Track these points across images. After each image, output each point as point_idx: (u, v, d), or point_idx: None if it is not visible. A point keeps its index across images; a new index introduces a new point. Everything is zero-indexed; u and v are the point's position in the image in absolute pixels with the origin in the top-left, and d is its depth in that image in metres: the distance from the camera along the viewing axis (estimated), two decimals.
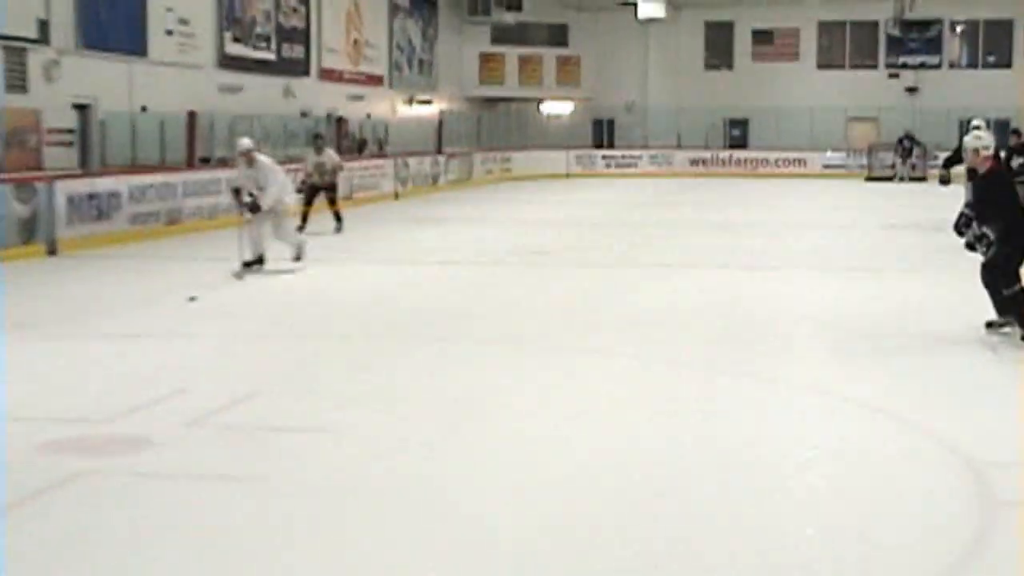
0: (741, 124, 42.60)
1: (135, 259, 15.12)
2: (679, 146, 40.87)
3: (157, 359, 9.12)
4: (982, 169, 10.09)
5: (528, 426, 7.25)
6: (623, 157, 40.49)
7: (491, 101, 41.41)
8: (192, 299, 11.35)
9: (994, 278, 9.54)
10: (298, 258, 14.22)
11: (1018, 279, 9.50)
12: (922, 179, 35.17)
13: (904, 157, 36.94)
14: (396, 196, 27.54)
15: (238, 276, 13.11)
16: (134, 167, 19.72)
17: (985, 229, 9.78)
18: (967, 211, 10.07)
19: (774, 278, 14.43)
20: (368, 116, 31.67)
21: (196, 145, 21.28)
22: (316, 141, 19.96)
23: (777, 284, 13.88)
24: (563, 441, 6.83)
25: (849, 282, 14.02)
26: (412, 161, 29.83)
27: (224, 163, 20.15)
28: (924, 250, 17.10)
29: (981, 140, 10.09)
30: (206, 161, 21.53)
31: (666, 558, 5.04)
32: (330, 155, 19.34)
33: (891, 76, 41.84)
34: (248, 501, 5.63)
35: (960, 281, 11.56)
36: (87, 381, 8.09)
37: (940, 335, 10.24)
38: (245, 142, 14.21)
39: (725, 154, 40.65)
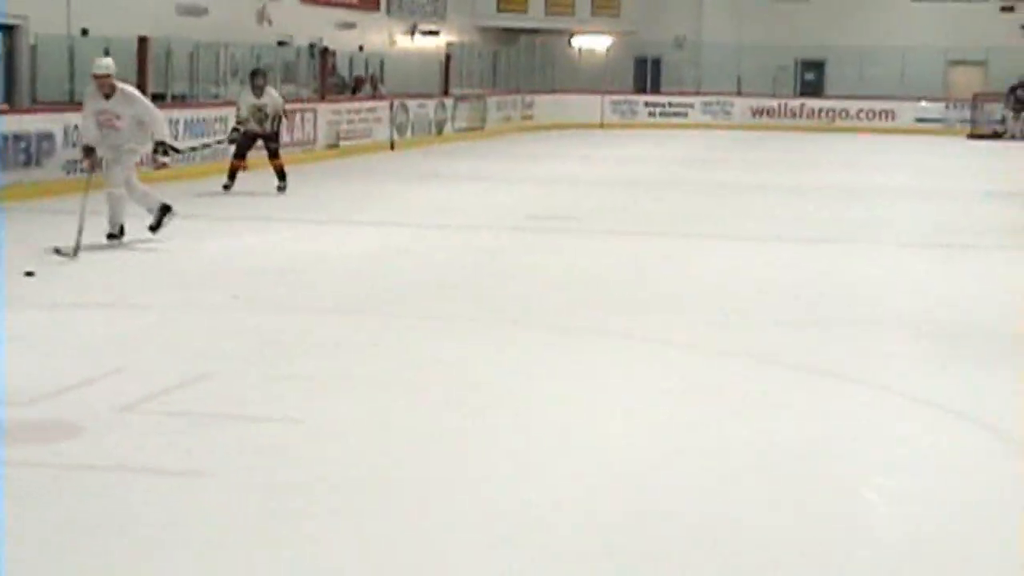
0: (816, 67, 43.29)
1: (71, 214, 15.32)
2: (739, 93, 41.15)
3: (93, 332, 9.22)
4: None
5: (535, 422, 7.49)
6: (670, 105, 40.74)
7: (511, 33, 41.66)
8: (29, 274, 10.93)
9: None
10: (157, 226, 13.45)
11: None
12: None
13: (1017, 110, 36.98)
14: (392, 147, 27.80)
15: (66, 254, 12.13)
16: (72, 104, 19.38)
17: None
18: None
19: (855, 255, 14.70)
20: (360, 49, 31.93)
21: (148, 79, 21.00)
22: (254, 79, 19.62)
23: (858, 262, 14.13)
24: (588, 442, 7.05)
25: (946, 263, 14.31)
26: (413, 105, 30.11)
27: (184, 100, 20.19)
28: None
29: None
30: (160, 98, 21.24)
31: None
32: (272, 96, 19.11)
33: (1004, 9, 42.03)
34: (191, 498, 5.67)
35: None
36: (7, 358, 8.07)
37: None
38: (104, 63, 13.44)
39: (796, 103, 40.99)
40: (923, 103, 39.16)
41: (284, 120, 19.88)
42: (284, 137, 20.01)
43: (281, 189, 18.90)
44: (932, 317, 10.92)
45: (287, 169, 18.93)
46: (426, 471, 6.46)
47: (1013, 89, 37.40)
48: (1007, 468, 7.08)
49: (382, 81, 31.80)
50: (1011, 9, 41.75)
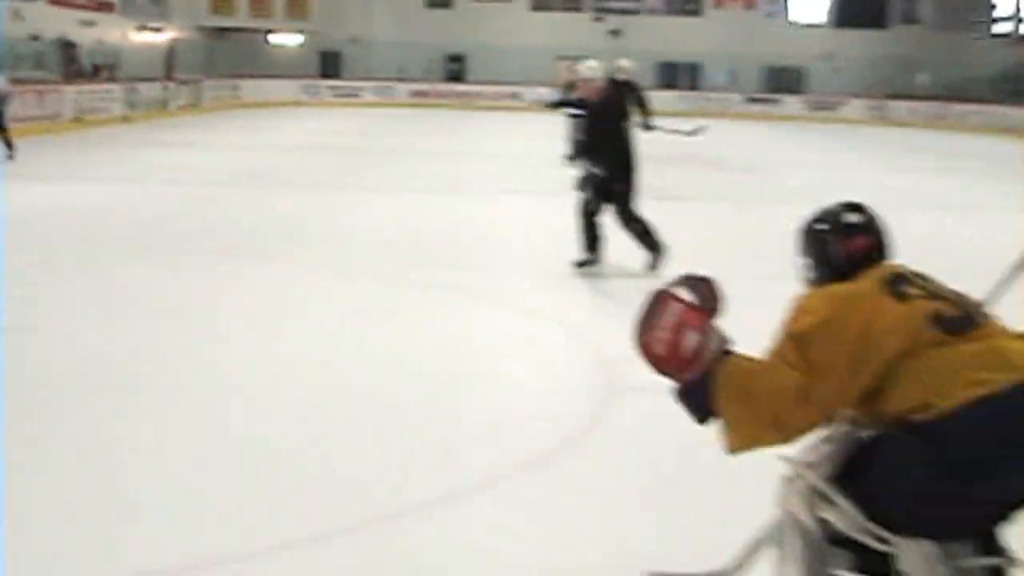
0: (459, 59, 45.10)
1: None
2: (401, 79, 42.91)
3: None
4: (595, 98, 10.09)
5: (221, 329, 7.81)
6: (348, 88, 42.31)
7: (222, 30, 42.19)
8: None
9: (626, 214, 9.92)
10: None
11: (635, 218, 9.96)
12: None
13: None
14: (125, 119, 28.35)
15: None
16: None
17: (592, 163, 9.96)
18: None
19: (481, 201, 15.33)
20: (100, 42, 32.29)
21: None
22: None
23: (483, 207, 14.78)
24: (258, 349, 7.29)
25: (548, 206, 14.05)
26: (142, 87, 30.97)
27: None
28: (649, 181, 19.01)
29: (594, 70, 10.10)
30: None
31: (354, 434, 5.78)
32: None
33: (596, 20, 45.37)
34: None
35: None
36: None
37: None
38: None
39: (444, 87, 43.11)
40: (539, 88, 41.01)
41: (8, 100, 19.09)
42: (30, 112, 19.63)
43: (10, 157, 17.87)
44: (537, 248, 11.35)
45: (34, 139, 18.77)
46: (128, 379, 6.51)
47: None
48: (573, 349, 7.67)
49: (118, 68, 32.36)
50: (601, 19, 44.98)
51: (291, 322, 8.13)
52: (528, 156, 23.23)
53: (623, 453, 5.69)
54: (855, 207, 3.63)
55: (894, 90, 43.63)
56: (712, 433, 3.45)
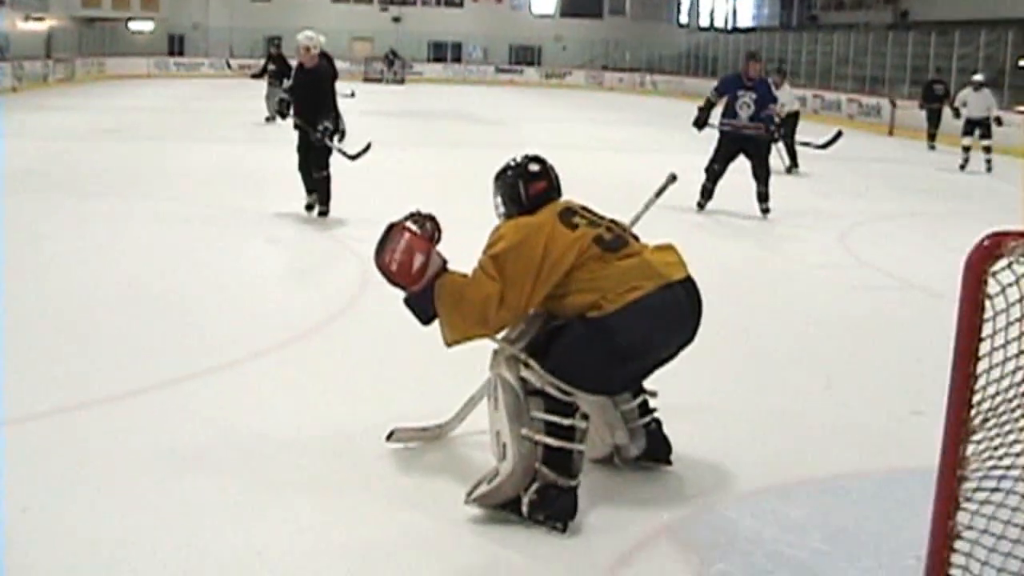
0: (277, 39, 43.92)
1: None
2: (232, 56, 40.54)
3: None
4: (309, 64, 8.97)
5: (58, 250, 7.64)
6: (190, 64, 40.61)
7: (91, 20, 39.87)
8: None
9: (320, 163, 8.93)
10: None
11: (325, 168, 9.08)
12: (402, 82, 38.20)
13: (389, 66, 39.06)
14: (14, 90, 26.97)
15: None
16: None
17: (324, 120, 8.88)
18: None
19: (285, 149, 14.16)
20: None
21: None
22: None
23: (283, 152, 13.53)
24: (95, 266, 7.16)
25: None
26: (27, 64, 29.59)
27: None
28: (390, 126, 19.52)
29: (312, 40, 8.91)
30: None
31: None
32: None
33: (382, 9, 44.56)
34: None
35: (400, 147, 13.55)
36: None
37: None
38: None
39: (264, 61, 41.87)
40: (337, 62, 40.98)
41: None
42: None
43: None
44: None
45: None
46: None
47: (386, 55, 39.10)
48: (339, 252, 7.79)
49: (7, 50, 30.58)
50: (386, 9, 44.30)
51: (122, 243, 8.09)
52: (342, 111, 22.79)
53: (373, 332, 5.66)
54: (536, 159, 3.71)
55: (607, 64, 44.72)
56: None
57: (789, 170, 13.73)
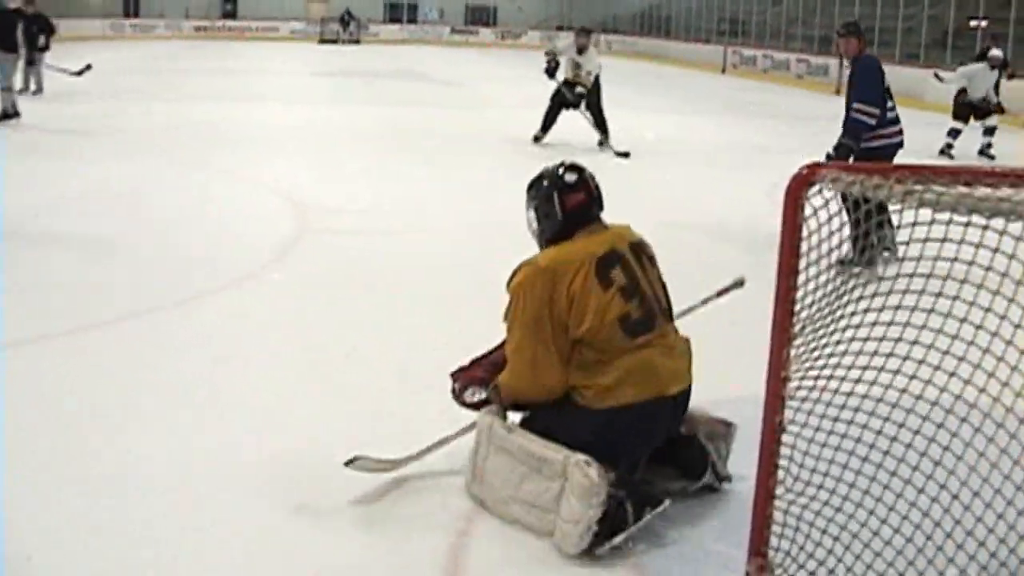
0: (232, 1, 43.16)
1: None
2: (187, 16, 41.09)
3: None
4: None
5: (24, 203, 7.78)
6: (145, 25, 40.03)
7: None
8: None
9: None
10: None
11: None
12: (357, 42, 38.09)
13: (344, 27, 38.90)
14: None
15: None
16: None
17: None
18: None
19: (246, 107, 15.16)
20: None
21: None
22: None
23: (246, 109, 14.73)
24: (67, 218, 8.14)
25: (301, 110, 15.04)
26: None
27: None
28: (343, 86, 19.92)
29: None
30: None
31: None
32: None
33: None
34: None
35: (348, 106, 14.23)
36: None
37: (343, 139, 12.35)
38: None
39: (220, 23, 41.23)
40: (294, 23, 40.62)
41: None
42: None
43: None
44: (284, 135, 11.99)
45: None
46: None
47: (342, 16, 39.09)
48: (281, 204, 8.02)
49: None
50: None
51: (83, 184, 8.45)
52: (290, 72, 23.00)
53: (312, 269, 6.16)
54: (573, 167, 3.35)
55: (561, 24, 44.67)
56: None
57: (601, 144, 11.50)
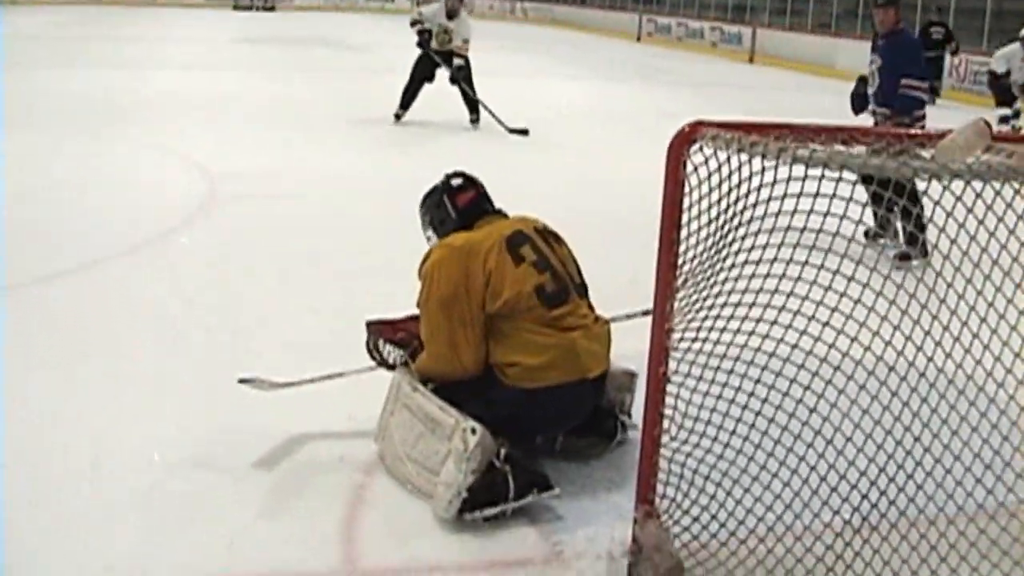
0: None
1: None
2: None
3: None
4: None
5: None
6: None
7: None
8: None
9: None
10: None
11: None
12: (272, 9, 37.23)
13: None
14: None
15: None
16: None
17: None
18: None
19: (152, 75, 14.86)
20: None
21: None
22: None
23: (149, 78, 14.41)
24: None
25: (212, 77, 14.84)
26: None
27: None
28: (255, 52, 19.71)
29: None
30: None
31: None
32: None
33: None
34: None
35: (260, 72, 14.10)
36: None
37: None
38: None
39: None
40: None
41: None
42: None
43: None
44: (203, 103, 11.94)
45: None
46: None
47: None
48: (193, 170, 8.07)
49: None
50: None
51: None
52: (202, 39, 22.63)
53: (225, 233, 6.31)
54: (457, 173, 3.46)
55: None
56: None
57: (473, 123, 10.91)
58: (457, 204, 3.32)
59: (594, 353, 3.21)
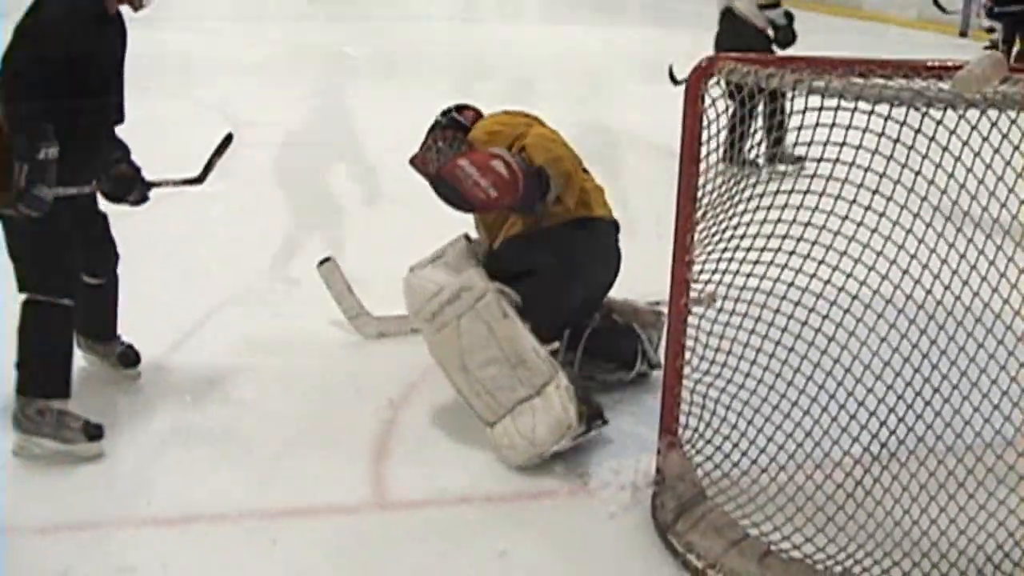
0: None
1: None
2: None
3: None
4: None
5: None
6: None
7: None
8: None
9: None
10: None
11: None
12: None
13: None
14: None
15: None
16: None
17: None
18: None
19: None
20: None
21: None
22: None
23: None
24: None
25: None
26: None
27: None
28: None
29: None
30: None
31: None
32: None
33: None
34: None
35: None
36: None
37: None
38: None
39: None
40: None
41: None
42: None
43: None
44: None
45: None
46: None
47: None
48: None
49: None
50: None
51: None
52: None
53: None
54: (454, 107, 3.55)
55: None
56: None
57: None
58: (467, 118, 3.47)
59: (606, 202, 3.45)
